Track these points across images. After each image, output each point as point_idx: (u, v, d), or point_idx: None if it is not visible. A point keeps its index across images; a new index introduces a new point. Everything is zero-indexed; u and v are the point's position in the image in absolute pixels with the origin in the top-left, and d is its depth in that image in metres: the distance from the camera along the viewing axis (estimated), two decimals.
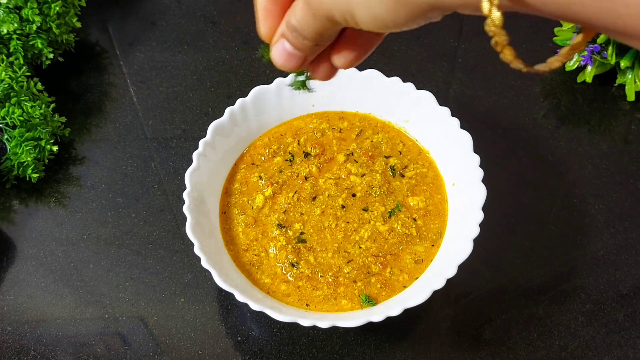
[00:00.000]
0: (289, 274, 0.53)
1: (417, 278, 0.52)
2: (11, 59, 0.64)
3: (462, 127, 0.55)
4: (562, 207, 0.61)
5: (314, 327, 0.47)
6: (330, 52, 0.34)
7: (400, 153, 0.59)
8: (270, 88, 0.59)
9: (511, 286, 0.56)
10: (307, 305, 0.51)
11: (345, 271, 0.52)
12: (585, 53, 0.66)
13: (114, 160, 0.66)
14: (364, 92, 0.60)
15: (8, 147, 0.61)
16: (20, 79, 0.63)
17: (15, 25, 0.64)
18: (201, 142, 0.55)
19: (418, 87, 0.58)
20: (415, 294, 0.48)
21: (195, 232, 0.50)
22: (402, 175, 0.58)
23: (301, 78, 0.38)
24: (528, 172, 0.63)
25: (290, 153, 0.59)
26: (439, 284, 0.47)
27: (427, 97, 0.57)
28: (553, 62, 0.30)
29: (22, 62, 0.64)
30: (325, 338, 0.54)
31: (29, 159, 0.61)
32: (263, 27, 0.34)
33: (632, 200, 0.61)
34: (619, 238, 0.58)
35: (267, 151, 0.60)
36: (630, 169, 0.63)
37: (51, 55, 0.67)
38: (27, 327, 0.56)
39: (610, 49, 0.65)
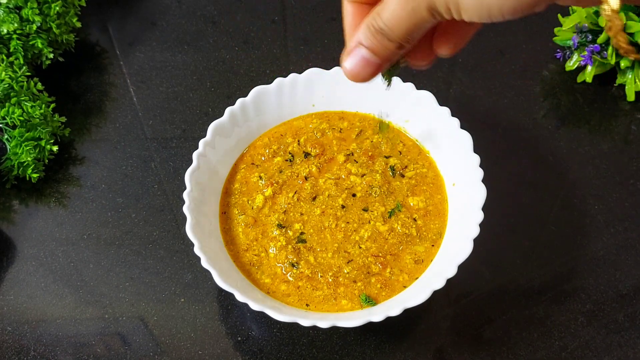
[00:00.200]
0: (289, 274, 0.53)
1: (417, 278, 0.52)
2: (11, 59, 0.64)
3: (462, 127, 0.55)
4: (562, 207, 0.61)
5: (314, 327, 0.47)
6: (429, 40, 0.34)
7: (400, 153, 0.59)
8: (270, 88, 0.59)
9: (511, 286, 0.56)
10: (307, 305, 0.51)
11: (345, 271, 0.52)
12: (585, 53, 0.66)
13: (114, 160, 0.66)
14: (364, 92, 0.60)
15: (8, 147, 0.61)
16: (20, 79, 0.63)
17: (15, 25, 0.64)
18: (201, 142, 0.55)
19: (418, 87, 0.58)
20: (415, 294, 0.48)
21: (195, 232, 0.50)
22: (402, 175, 0.58)
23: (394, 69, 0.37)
24: (528, 172, 0.63)
25: (290, 153, 0.59)
26: (439, 284, 0.47)
27: (427, 97, 0.57)
28: None
29: (22, 62, 0.64)
30: (325, 338, 0.54)
31: (29, 159, 0.61)
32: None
33: (632, 200, 0.61)
34: (619, 238, 0.58)
35: (267, 151, 0.60)
36: (631, 169, 0.63)
37: (51, 55, 0.67)
38: (27, 327, 0.56)
39: (610, 49, 0.65)
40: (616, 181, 0.62)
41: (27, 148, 0.60)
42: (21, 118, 0.61)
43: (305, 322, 0.46)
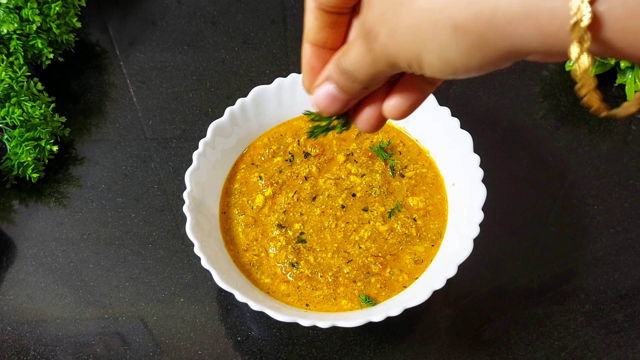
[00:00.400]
0: (288, 274, 0.53)
1: (417, 278, 0.52)
2: (11, 59, 0.64)
3: (462, 127, 0.55)
4: (561, 208, 0.61)
5: (314, 327, 0.47)
6: (376, 99, 0.33)
7: (400, 153, 0.59)
8: (270, 88, 0.59)
9: (511, 286, 0.56)
10: (307, 305, 0.51)
11: (345, 271, 0.52)
12: None
13: (113, 161, 0.66)
14: None
15: (8, 147, 0.61)
16: (20, 79, 0.63)
17: (15, 25, 0.64)
18: (201, 142, 0.55)
19: None
20: (415, 294, 0.48)
21: (195, 232, 0.50)
22: (402, 175, 0.58)
23: (329, 124, 0.36)
24: (528, 172, 0.63)
25: (290, 153, 0.59)
26: (439, 284, 0.47)
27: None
28: (629, 107, 0.29)
29: (22, 62, 0.64)
30: (325, 338, 0.54)
31: (29, 159, 0.61)
32: (307, 81, 0.34)
33: (631, 200, 0.61)
34: (618, 239, 0.59)
35: (267, 151, 0.60)
36: (630, 169, 0.63)
37: (51, 55, 0.67)
38: (27, 327, 0.56)
39: None
40: (615, 181, 0.62)
41: (27, 148, 0.61)
42: (21, 118, 0.61)
43: (305, 322, 0.46)
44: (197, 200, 0.53)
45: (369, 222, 0.54)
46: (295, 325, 0.53)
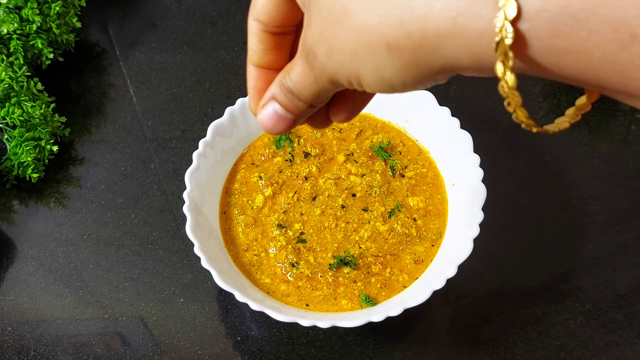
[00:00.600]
0: (288, 274, 0.53)
1: (417, 278, 0.52)
2: (11, 59, 0.64)
3: (462, 127, 0.55)
4: (561, 208, 0.61)
5: (314, 327, 0.47)
6: (325, 108, 0.34)
7: (400, 153, 0.59)
8: None
9: (510, 286, 0.56)
10: (307, 305, 0.51)
11: (345, 271, 0.52)
12: None
13: (113, 161, 0.66)
14: None
15: (8, 147, 0.61)
16: (20, 79, 0.63)
17: (15, 25, 0.64)
18: (201, 142, 0.55)
19: None
20: (415, 294, 0.48)
21: (195, 232, 0.50)
22: (402, 175, 0.58)
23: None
24: (527, 172, 0.63)
25: (290, 153, 0.59)
26: (439, 284, 0.47)
27: (427, 97, 0.58)
28: (561, 123, 0.30)
29: (22, 62, 0.64)
30: (325, 338, 0.54)
31: (29, 159, 0.61)
32: (253, 104, 0.34)
33: (630, 201, 0.61)
34: (617, 239, 0.59)
35: (267, 151, 0.60)
36: (629, 169, 0.63)
37: (51, 55, 0.67)
38: (27, 327, 0.56)
39: None
40: (615, 182, 0.62)
41: (27, 148, 0.61)
42: (21, 118, 0.61)
43: (304, 322, 0.46)
44: (197, 201, 0.53)
45: (369, 222, 0.55)
46: (295, 325, 0.54)
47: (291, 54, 0.34)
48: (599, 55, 0.22)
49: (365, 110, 0.62)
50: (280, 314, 0.46)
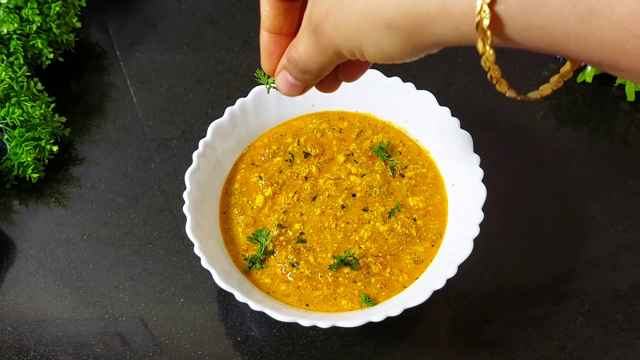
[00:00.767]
0: (288, 274, 0.53)
1: (417, 278, 0.52)
2: (11, 59, 0.64)
3: (462, 127, 0.55)
4: (561, 208, 0.61)
5: (314, 327, 0.47)
6: (333, 73, 0.39)
7: (400, 153, 0.59)
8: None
9: (510, 287, 0.56)
10: (307, 305, 0.51)
11: (345, 271, 0.52)
12: None
13: (113, 161, 0.66)
14: (364, 92, 0.60)
15: (8, 147, 0.61)
16: (20, 79, 0.63)
17: (16, 25, 0.64)
18: (201, 143, 0.55)
19: (418, 87, 0.58)
20: (415, 294, 0.48)
21: (195, 232, 0.50)
22: (402, 176, 0.58)
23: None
24: (527, 173, 0.63)
25: (290, 153, 0.59)
26: (439, 284, 0.47)
27: (427, 97, 0.58)
28: (544, 90, 0.34)
29: (22, 62, 0.65)
30: (325, 338, 0.54)
31: (29, 159, 0.61)
32: (266, 65, 0.39)
33: (631, 201, 0.61)
34: (617, 239, 0.59)
35: (267, 151, 0.60)
36: (630, 169, 0.63)
37: (51, 56, 0.67)
38: (27, 327, 0.56)
39: None
40: (615, 182, 0.62)
41: (27, 148, 0.61)
42: (21, 118, 0.61)
43: (305, 322, 0.46)
44: (197, 201, 0.53)
45: (369, 222, 0.55)
46: (295, 325, 0.53)
47: (299, 20, 0.38)
48: (563, 28, 0.25)
49: (365, 110, 0.62)
50: (280, 314, 0.46)
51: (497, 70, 0.30)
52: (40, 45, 0.65)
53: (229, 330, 0.55)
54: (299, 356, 0.53)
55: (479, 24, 0.27)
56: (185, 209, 0.51)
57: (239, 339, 0.54)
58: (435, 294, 0.47)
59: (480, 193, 0.51)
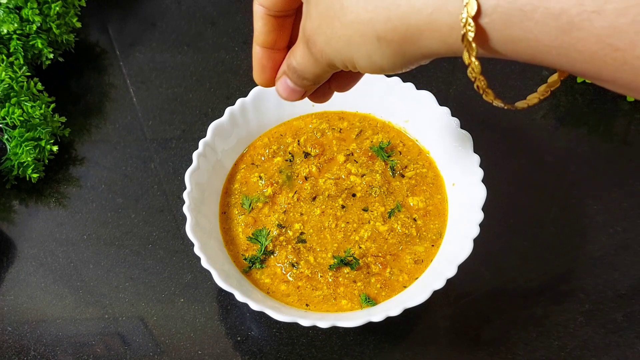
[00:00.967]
0: (288, 274, 0.53)
1: (417, 278, 0.52)
2: (11, 59, 0.64)
3: (462, 127, 0.55)
4: (561, 208, 0.61)
5: (314, 327, 0.47)
6: (326, 83, 0.41)
7: (400, 153, 0.59)
8: (270, 88, 0.59)
9: (510, 286, 0.56)
10: (306, 305, 0.51)
11: (345, 271, 0.52)
12: None
13: (113, 161, 0.66)
14: (364, 92, 0.60)
15: (8, 147, 0.61)
16: (20, 79, 0.63)
17: (15, 25, 0.64)
18: (201, 142, 0.55)
19: (418, 87, 0.58)
20: (415, 294, 0.48)
21: (195, 232, 0.50)
22: (402, 175, 0.58)
23: None
24: (527, 173, 0.63)
25: (290, 153, 0.59)
26: (439, 284, 0.47)
27: (427, 97, 0.58)
28: (532, 99, 0.35)
29: (22, 62, 0.65)
30: (325, 338, 0.54)
31: (29, 159, 0.61)
32: (258, 78, 0.41)
33: (631, 201, 0.61)
34: (617, 238, 0.59)
35: (267, 151, 0.60)
36: (629, 169, 0.63)
37: (51, 56, 0.67)
38: (27, 327, 0.56)
39: None
40: (615, 182, 0.62)
41: (27, 148, 0.61)
42: (21, 118, 0.61)
43: (304, 322, 0.46)
44: (197, 201, 0.53)
45: (369, 222, 0.55)
46: (295, 325, 0.54)
47: (292, 35, 0.39)
48: (545, 41, 0.26)
49: (365, 110, 0.62)
50: (280, 314, 0.46)
51: (483, 81, 0.31)
52: (40, 45, 0.65)
53: (229, 330, 0.55)
54: (299, 356, 0.53)
55: (464, 37, 0.28)
56: (185, 209, 0.51)
57: (239, 338, 0.54)
58: (435, 294, 0.47)
59: (480, 193, 0.51)
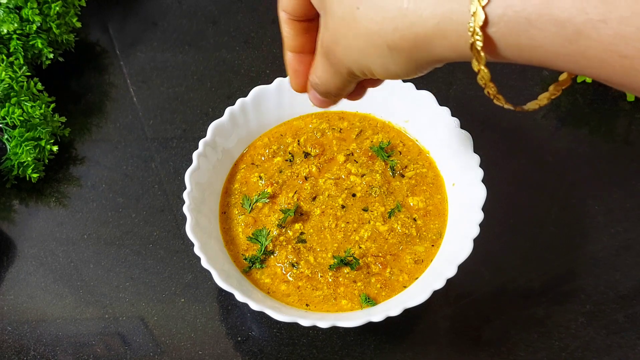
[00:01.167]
0: (289, 274, 0.53)
1: (417, 278, 0.52)
2: (11, 59, 0.64)
3: (462, 127, 0.55)
4: (561, 208, 0.61)
5: (314, 327, 0.47)
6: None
7: (400, 153, 0.59)
8: (270, 88, 0.59)
9: (511, 287, 0.56)
10: (307, 305, 0.51)
11: (345, 271, 0.52)
12: None
13: (114, 161, 0.66)
14: None
15: (8, 147, 0.61)
16: (20, 79, 0.63)
17: (15, 25, 0.64)
18: (201, 142, 0.55)
19: (418, 87, 0.58)
20: (415, 294, 0.48)
21: (195, 232, 0.50)
22: (402, 175, 0.58)
23: None
24: (528, 173, 0.63)
25: (290, 153, 0.59)
26: (439, 284, 0.47)
27: (427, 97, 0.58)
28: (542, 100, 0.35)
29: (22, 62, 0.65)
30: (325, 338, 0.54)
31: (29, 159, 0.61)
32: (293, 83, 0.41)
33: (632, 201, 0.61)
34: (618, 239, 0.58)
35: (267, 151, 0.60)
36: (630, 169, 0.63)
37: (51, 55, 0.67)
38: (27, 327, 0.56)
39: None
40: (616, 182, 0.62)
41: (27, 148, 0.61)
42: (21, 118, 0.61)
43: (305, 322, 0.46)
44: (197, 200, 0.53)
45: (369, 222, 0.54)
46: (296, 326, 0.53)
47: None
48: (552, 49, 0.27)
49: (365, 110, 0.62)
50: (281, 314, 0.46)
51: (494, 88, 0.32)
52: (40, 45, 0.65)
53: (230, 330, 0.55)
54: (300, 356, 0.53)
55: (472, 45, 0.28)
56: (185, 208, 0.51)
57: (239, 339, 0.54)
58: (436, 294, 0.46)
59: (480, 193, 0.51)
